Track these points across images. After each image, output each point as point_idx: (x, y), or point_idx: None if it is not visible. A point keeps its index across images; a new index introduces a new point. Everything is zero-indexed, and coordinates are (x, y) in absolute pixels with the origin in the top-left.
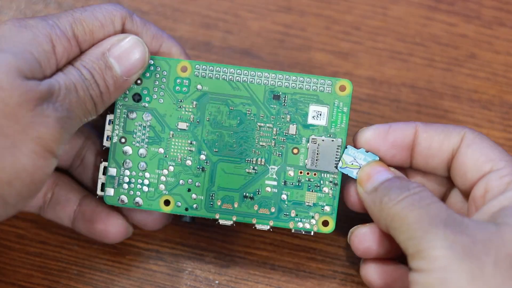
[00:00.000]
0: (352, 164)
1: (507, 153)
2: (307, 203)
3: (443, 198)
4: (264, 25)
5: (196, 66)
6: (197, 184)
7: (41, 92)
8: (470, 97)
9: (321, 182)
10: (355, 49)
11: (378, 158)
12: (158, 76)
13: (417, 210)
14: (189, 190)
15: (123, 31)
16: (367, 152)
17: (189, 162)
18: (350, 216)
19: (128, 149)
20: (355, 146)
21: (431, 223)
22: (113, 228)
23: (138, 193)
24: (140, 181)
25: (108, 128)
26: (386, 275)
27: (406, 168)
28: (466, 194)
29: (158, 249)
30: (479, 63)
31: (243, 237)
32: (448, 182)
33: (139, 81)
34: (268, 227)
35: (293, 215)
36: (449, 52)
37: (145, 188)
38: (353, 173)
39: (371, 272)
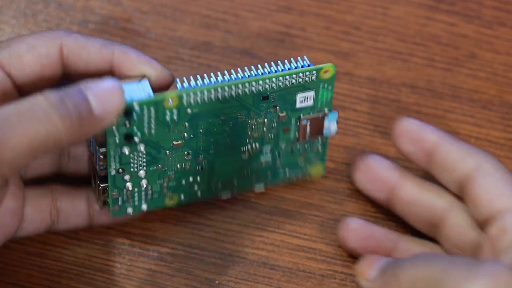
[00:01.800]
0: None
1: None
2: (299, 163)
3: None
4: (264, 25)
5: (183, 96)
6: (198, 179)
7: None
8: (470, 97)
9: (312, 146)
10: (355, 49)
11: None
12: (146, 115)
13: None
14: (191, 185)
15: (61, 50)
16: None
17: (188, 167)
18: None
19: (127, 176)
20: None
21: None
22: None
23: (143, 201)
24: (143, 193)
25: (101, 160)
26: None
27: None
28: (479, 224)
29: (158, 249)
30: (479, 63)
31: (243, 237)
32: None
33: (128, 124)
34: (263, 188)
35: (287, 174)
36: (449, 52)
37: (149, 197)
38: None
39: (348, 231)
